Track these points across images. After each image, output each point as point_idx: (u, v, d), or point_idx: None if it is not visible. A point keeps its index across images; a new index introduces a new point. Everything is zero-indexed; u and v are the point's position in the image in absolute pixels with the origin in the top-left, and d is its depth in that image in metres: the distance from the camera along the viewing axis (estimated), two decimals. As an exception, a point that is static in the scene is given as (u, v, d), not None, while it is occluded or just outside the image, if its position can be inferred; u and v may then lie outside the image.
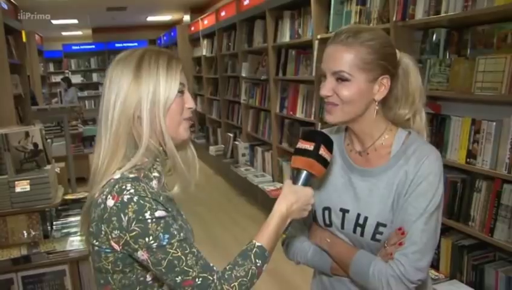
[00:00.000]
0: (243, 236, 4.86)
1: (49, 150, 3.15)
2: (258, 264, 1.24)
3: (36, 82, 10.63)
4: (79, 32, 15.54)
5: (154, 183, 1.27)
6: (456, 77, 2.68)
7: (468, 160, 2.64)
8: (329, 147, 1.34)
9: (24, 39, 6.35)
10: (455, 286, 2.73)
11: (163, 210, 1.18)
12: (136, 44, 14.42)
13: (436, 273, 2.85)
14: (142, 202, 1.16)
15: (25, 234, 2.83)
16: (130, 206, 1.15)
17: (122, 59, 1.29)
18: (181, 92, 1.29)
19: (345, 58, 1.31)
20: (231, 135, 7.49)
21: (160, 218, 1.16)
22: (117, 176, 1.21)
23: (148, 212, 1.15)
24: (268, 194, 5.28)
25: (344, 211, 1.43)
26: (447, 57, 2.88)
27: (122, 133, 1.25)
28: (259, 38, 6.04)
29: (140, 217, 1.15)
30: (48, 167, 2.91)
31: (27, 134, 2.86)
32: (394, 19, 3.06)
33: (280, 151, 5.61)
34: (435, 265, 2.90)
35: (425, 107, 1.47)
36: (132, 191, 1.16)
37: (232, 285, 1.19)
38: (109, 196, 1.17)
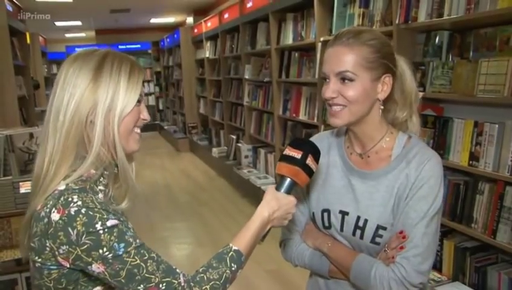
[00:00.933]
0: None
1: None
2: (233, 269, 1.20)
3: (40, 84, 10.64)
4: (82, 34, 15.59)
5: (100, 196, 1.19)
6: (459, 79, 2.69)
7: (470, 162, 2.64)
8: (317, 156, 1.33)
9: (28, 41, 6.37)
10: (458, 288, 2.73)
11: (115, 219, 1.11)
12: (139, 46, 14.49)
13: (439, 275, 2.85)
14: (91, 213, 1.08)
15: (29, 234, 2.84)
16: (78, 219, 1.07)
17: (81, 56, 1.20)
18: (139, 101, 1.23)
19: (348, 58, 1.31)
20: (234, 136, 7.50)
21: (112, 227, 1.10)
22: (62, 187, 1.13)
23: (99, 223, 1.08)
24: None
25: (343, 214, 1.43)
26: (450, 59, 2.88)
27: (73, 137, 1.16)
28: (262, 41, 6.06)
29: (91, 229, 1.07)
30: (52, 168, 2.92)
31: (31, 135, 2.87)
32: (397, 21, 3.07)
33: (283, 153, 5.60)
34: (437, 267, 2.90)
35: (420, 109, 1.47)
36: (79, 203, 1.09)
37: (204, 288, 1.15)
38: (54, 209, 1.09)
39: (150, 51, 15.16)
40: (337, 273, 1.44)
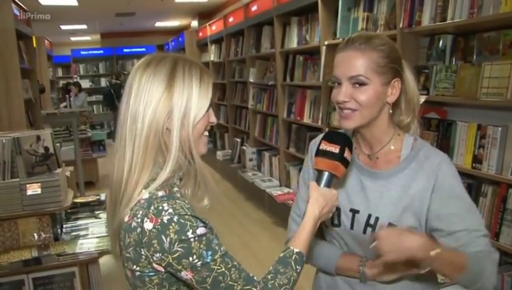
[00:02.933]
0: (250, 240, 4.87)
1: (59, 154, 3.19)
2: (298, 270, 1.27)
3: (45, 87, 10.69)
4: (88, 38, 15.68)
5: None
6: (462, 82, 2.70)
7: (474, 165, 2.66)
8: (351, 147, 1.39)
9: (34, 45, 6.41)
10: (461, 290, 2.73)
11: (203, 226, 1.15)
12: (143, 49, 14.53)
13: (443, 277, 2.85)
14: (182, 221, 1.11)
15: (36, 236, 2.87)
16: (171, 227, 1.10)
17: (153, 63, 1.22)
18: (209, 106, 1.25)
19: (360, 63, 1.35)
20: (238, 139, 7.52)
21: (202, 235, 1.13)
22: (146, 195, 1.16)
23: (190, 231, 1.11)
24: (275, 199, 5.30)
25: (354, 212, 1.46)
26: (453, 63, 2.90)
27: (151, 146, 1.19)
28: (267, 44, 6.08)
29: (183, 237, 1.11)
30: (59, 170, 2.95)
31: (38, 138, 2.90)
32: (401, 25, 3.09)
33: (287, 156, 5.63)
34: (441, 269, 2.91)
35: (423, 112, 1.50)
36: (171, 210, 1.12)
37: None
38: (146, 219, 1.12)
39: (154, 55, 15.15)
40: (344, 270, 1.47)
